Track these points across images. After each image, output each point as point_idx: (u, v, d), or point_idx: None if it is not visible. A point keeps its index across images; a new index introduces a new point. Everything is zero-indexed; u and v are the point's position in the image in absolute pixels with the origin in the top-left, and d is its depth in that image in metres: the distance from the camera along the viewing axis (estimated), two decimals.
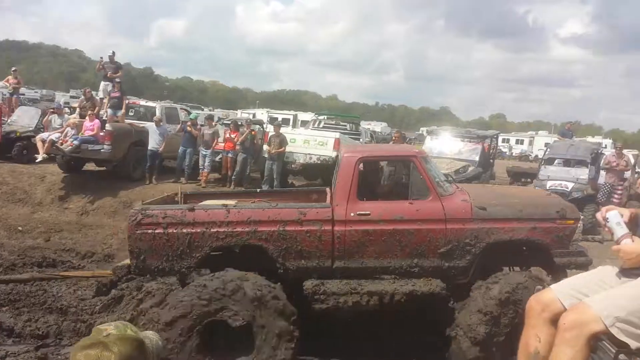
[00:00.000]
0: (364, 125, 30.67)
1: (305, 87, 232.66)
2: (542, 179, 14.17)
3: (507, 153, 48.28)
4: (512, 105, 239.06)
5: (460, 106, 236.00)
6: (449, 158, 14.93)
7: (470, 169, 14.45)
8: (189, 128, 15.24)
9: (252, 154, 15.11)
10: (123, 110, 16.40)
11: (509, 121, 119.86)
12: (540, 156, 24.85)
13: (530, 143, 53.83)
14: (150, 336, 1.69)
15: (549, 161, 15.32)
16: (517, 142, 55.51)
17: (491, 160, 16.76)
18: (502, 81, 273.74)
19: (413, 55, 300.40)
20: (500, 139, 38.28)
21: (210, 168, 15.27)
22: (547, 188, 13.19)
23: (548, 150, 16.34)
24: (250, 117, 32.03)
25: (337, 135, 15.54)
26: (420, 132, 68.47)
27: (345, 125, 19.58)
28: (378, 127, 45.06)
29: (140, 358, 1.74)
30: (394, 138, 16.15)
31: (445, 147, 15.61)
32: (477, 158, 14.92)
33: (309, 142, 15.47)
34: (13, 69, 20.74)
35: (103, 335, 1.66)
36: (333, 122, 19.78)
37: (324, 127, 18.99)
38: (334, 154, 14.82)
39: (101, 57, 17.85)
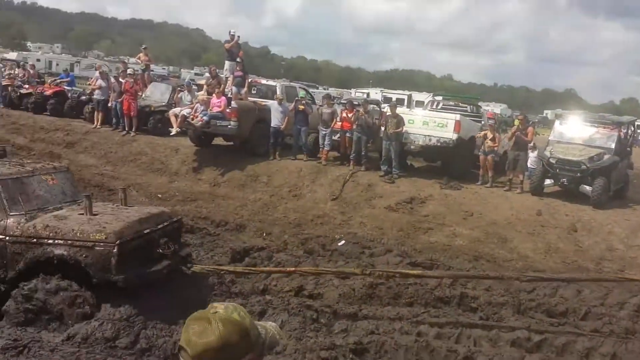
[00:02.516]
0: (483, 106, 29.56)
1: (417, 66, 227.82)
2: None
3: None
4: None
5: (586, 89, 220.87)
6: (581, 145, 14.01)
7: (606, 157, 13.47)
8: (300, 107, 15.41)
9: (368, 133, 15.03)
10: (246, 89, 16.96)
11: None
12: None
13: None
14: (268, 327, 1.68)
15: None
16: None
17: (629, 149, 15.52)
18: (633, 64, 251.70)
19: (534, 34, 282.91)
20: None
21: (330, 147, 15.44)
22: None
23: None
24: (365, 96, 32.04)
25: (458, 117, 15.07)
26: (544, 115, 65.12)
27: (466, 107, 18.94)
28: (497, 108, 43.38)
29: (241, 344, 1.67)
30: (517, 121, 15.41)
31: (576, 133, 14.63)
32: (613, 145, 13.85)
33: (428, 123, 15.10)
34: (143, 46, 22.01)
35: (211, 312, 1.66)
36: (452, 103, 19.19)
37: (442, 108, 18.48)
38: (454, 137, 14.44)
39: (232, 35, 18.38)
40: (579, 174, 13.31)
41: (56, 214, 7.32)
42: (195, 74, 47.25)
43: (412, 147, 15.17)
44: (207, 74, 20.66)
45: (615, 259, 10.52)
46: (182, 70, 61.83)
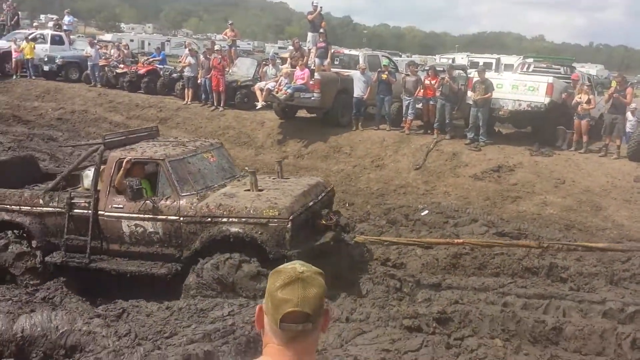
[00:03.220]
0: (578, 68, 27.92)
1: (507, 28, 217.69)
2: None
3: None
4: None
5: None
6: None
7: None
8: (383, 76, 15.20)
9: (452, 100, 14.65)
10: (329, 59, 16.97)
11: None
12: None
13: None
14: None
15: None
16: None
17: None
18: None
19: None
20: None
21: (413, 115, 15.22)
22: None
23: None
24: (450, 62, 31.10)
25: (550, 79, 14.34)
26: None
27: (559, 69, 17.97)
28: (593, 69, 40.77)
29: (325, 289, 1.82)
30: (614, 82, 14.44)
31: None
32: None
33: (518, 87, 14.49)
34: (230, 22, 22.52)
35: (298, 272, 1.74)
36: (544, 66, 18.26)
37: (533, 71, 17.63)
38: (546, 100, 13.80)
39: (314, 7, 18.38)
40: None
41: (224, 191, 7.52)
42: (279, 48, 47.79)
43: (500, 112, 14.63)
44: (290, 47, 20.86)
45: None
46: (266, 44, 62.72)
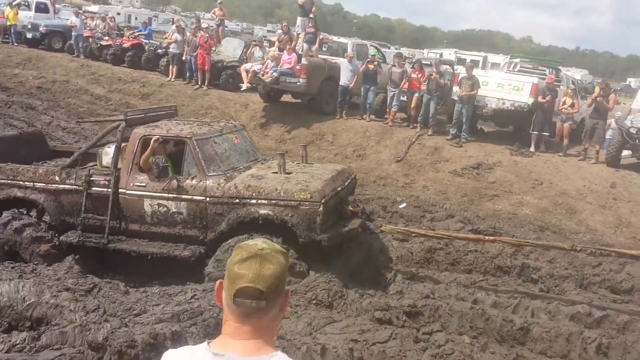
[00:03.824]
0: (563, 71, 28.12)
1: (496, 27, 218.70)
2: None
3: None
4: None
5: None
6: None
7: None
8: (371, 66, 15.08)
9: (439, 95, 14.65)
10: (317, 45, 16.83)
11: None
12: None
13: None
14: None
15: None
16: None
17: None
18: None
19: None
20: None
21: (397, 108, 15.20)
22: None
23: None
24: (438, 57, 31.13)
25: (535, 80, 14.42)
26: (628, 83, 61.33)
27: (545, 71, 18.08)
28: (578, 74, 41.17)
29: (287, 267, 1.82)
30: (597, 87, 14.57)
31: None
32: None
33: (503, 85, 14.56)
34: (219, 1, 22.19)
35: (258, 249, 1.73)
36: (530, 67, 18.35)
37: (519, 71, 17.71)
38: (530, 101, 13.88)
39: None
40: None
41: (252, 173, 7.34)
42: (268, 31, 47.40)
43: (484, 110, 14.67)
44: (279, 31, 20.67)
45: None
46: (255, 26, 62.15)
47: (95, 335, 4.74)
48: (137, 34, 22.33)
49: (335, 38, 20.48)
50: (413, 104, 14.88)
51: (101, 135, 8.15)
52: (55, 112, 16.28)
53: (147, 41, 21.30)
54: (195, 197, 6.98)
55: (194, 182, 7.01)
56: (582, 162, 13.30)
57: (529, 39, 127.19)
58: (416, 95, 14.85)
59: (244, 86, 15.56)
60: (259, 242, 1.77)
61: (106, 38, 21.13)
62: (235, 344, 1.72)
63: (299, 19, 18.28)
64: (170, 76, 18.32)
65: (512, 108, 14.18)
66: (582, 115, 15.07)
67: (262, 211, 6.74)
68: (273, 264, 1.72)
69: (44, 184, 7.45)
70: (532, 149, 13.73)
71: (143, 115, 8.02)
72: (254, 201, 6.80)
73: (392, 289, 7.25)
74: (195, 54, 17.28)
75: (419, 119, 14.74)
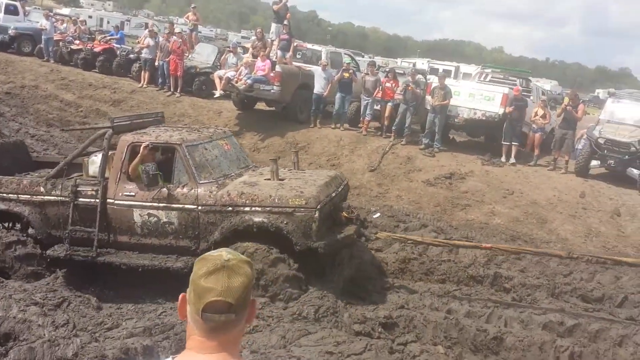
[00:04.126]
0: (533, 82, 28.63)
1: (468, 37, 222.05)
2: None
3: None
4: None
5: None
6: (632, 125, 13.46)
7: None
8: (346, 74, 15.06)
9: (413, 105, 14.73)
10: (291, 53, 16.82)
11: None
12: None
13: None
14: None
15: None
16: None
17: None
18: None
19: (592, 8, 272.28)
20: None
21: (371, 117, 15.24)
22: None
23: None
24: (411, 66, 31.43)
25: (506, 90, 14.64)
26: (596, 94, 62.68)
27: (515, 81, 18.38)
28: (547, 85, 42.02)
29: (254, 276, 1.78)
30: (567, 98, 14.87)
31: (628, 113, 14.05)
32: None
33: (474, 95, 14.73)
34: (192, 5, 22.02)
35: (224, 260, 1.70)
36: (501, 77, 18.64)
37: (490, 81, 17.97)
38: (501, 111, 14.07)
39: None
40: (627, 156, 12.84)
41: (244, 180, 7.17)
42: (242, 37, 47.25)
43: (456, 120, 14.82)
44: (253, 37, 20.60)
45: None
46: (229, 32, 61.88)
47: (65, 351, 4.62)
48: (108, 38, 22.01)
49: (309, 45, 20.51)
50: (387, 114, 14.94)
51: (87, 144, 7.90)
52: (23, 119, 15.93)
53: (119, 46, 21.00)
54: (186, 206, 6.80)
55: (185, 190, 6.84)
56: (552, 172, 13.52)
57: (501, 50, 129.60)
58: (390, 104, 14.91)
59: (217, 93, 15.44)
60: (223, 253, 1.72)
61: (77, 42, 20.77)
62: (201, 358, 1.67)
63: (274, 26, 18.24)
64: (142, 82, 18.06)
65: (484, 118, 14.36)
66: (551, 126, 15.35)
67: (257, 219, 6.59)
68: (241, 276, 1.68)
69: (29, 196, 7.20)
70: (503, 159, 13.90)
71: (130, 122, 7.82)
72: (247, 209, 6.65)
73: (368, 300, 7.25)
74: (167, 59, 17.09)
75: (393, 128, 14.78)
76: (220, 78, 15.43)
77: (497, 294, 7.81)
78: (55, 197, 7.13)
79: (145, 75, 18.02)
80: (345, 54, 20.09)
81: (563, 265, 8.43)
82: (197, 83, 17.29)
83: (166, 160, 7.25)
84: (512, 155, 13.81)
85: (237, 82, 15.05)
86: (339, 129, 15.16)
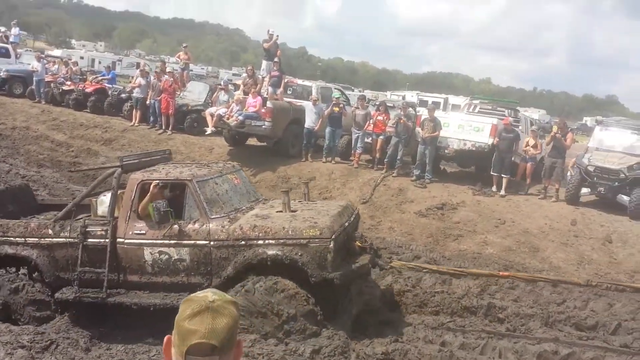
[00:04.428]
0: (522, 111, 29.06)
1: (456, 69, 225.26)
2: None
3: None
4: None
5: (629, 96, 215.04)
6: (621, 152, 13.61)
7: None
8: (336, 108, 15.23)
9: (405, 138, 14.87)
10: (282, 89, 17.02)
11: None
12: None
13: None
14: None
15: None
16: None
17: None
18: None
19: (577, 38, 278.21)
20: None
21: (362, 149, 15.36)
22: None
23: None
24: (401, 99, 31.79)
25: (495, 121, 14.81)
26: (584, 122, 63.42)
27: (504, 111, 18.61)
28: (536, 114, 42.51)
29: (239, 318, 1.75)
30: (555, 127, 15.04)
31: (616, 140, 14.22)
32: None
33: (464, 127, 14.90)
34: (184, 45, 22.32)
35: (209, 301, 1.68)
36: (490, 107, 18.88)
37: (479, 112, 18.19)
38: (490, 141, 14.21)
39: (270, 35, 18.44)
40: (617, 183, 12.94)
41: (256, 213, 7.13)
42: (234, 74, 47.78)
43: (446, 151, 14.96)
44: (244, 74, 20.86)
45: None
46: (220, 70, 62.52)
47: None
48: (100, 78, 22.19)
49: (299, 81, 20.77)
50: (378, 146, 15.07)
51: (96, 184, 7.87)
52: (14, 160, 15.94)
53: (110, 85, 21.16)
54: (198, 242, 6.74)
55: (196, 226, 6.77)
56: (543, 200, 13.59)
57: (488, 81, 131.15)
58: (381, 137, 15.06)
59: (209, 130, 15.54)
60: (208, 294, 1.70)
61: (68, 83, 20.91)
62: None
63: (264, 63, 18.51)
64: (133, 121, 18.16)
65: (474, 148, 14.50)
66: (541, 155, 15.49)
67: (270, 252, 6.51)
68: (225, 317, 1.65)
69: (37, 239, 7.12)
70: (494, 188, 13.97)
71: (139, 161, 7.81)
72: (261, 242, 6.57)
73: (363, 334, 7.17)
74: (159, 97, 17.23)
75: (385, 160, 14.88)
76: (212, 115, 15.55)
77: (491, 324, 7.77)
78: (64, 239, 7.06)
79: (136, 114, 18.14)
80: (335, 88, 20.34)
81: (556, 293, 8.42)
82: (188, 120, 17.40)
83: (175, 197, 7.19)
84: (503, 188, 13.87)
85: (228, 118, 15.16)
86: (331, 163, 15.26)
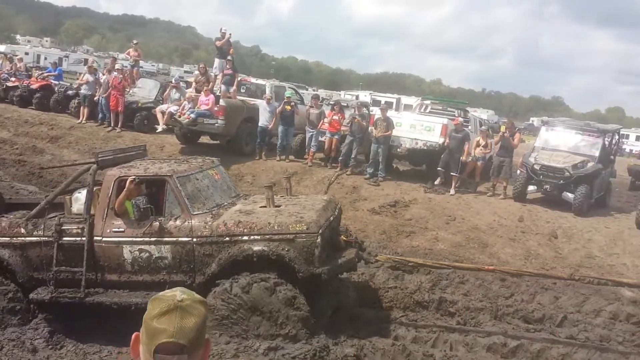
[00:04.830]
0: (471, 112, 29.75)
1: (408, 70, 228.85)
2: None
3: (626, 150, 45.04)
4: (631, 99, 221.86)
5: (574, 97, 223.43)
6: (566, 152, 14.11)
7: (590, 164, 13.57)
8: (287, 107, 15.24)
9: (359, 137, 14.98)
10: (235, 87, 16.88)
11: (628, 116, 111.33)
12: None
13: None
14: None
15: None
16: (638, 138, 51.58)
17: (612, 157, 15.65)
18: (620, 73, 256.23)
19: (524, 41, 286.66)
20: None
21: (316, 148, 15.40)
22: None
23: None
24: (354, 98, 32.07)
25: (445, 121, 15.14)
26: (531, 122, 65.46)
27: (454, 112, 19.01)
28: (484, 114, 43.63)
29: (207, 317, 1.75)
30: (503, 126, 15.48)
31: (561, 140, 14.74)
32: (597, 153, 13.95)
33: (415, 126, 15.21)
34: (134, 41, 21.84)
35: (177, 300, 1.68)
36: (440, 108, 19.27)
37: (430, 112, 18.54)
38: (441, 140, 14.50)
39: (223, 33, 18.27)
40: (562, 181, 13.42)
41: (239, 209, 6.96)
42: (185, 72, 47.12)
43: (398, 150, 15.19)
44: (196, 72, 20.59)
45: (594, 266, 10.60)
46: (171, 67, 61.53)
47: None
48: (46, 74, 21.51)
49: (253, 80, 20.66)
50: (333, 146, 15.16)
51: (70, 181, 7.55)
52: None
53: (56, 82, 20.55)
54: (180, 239, 6.56)
55: (178, 222, 6.59)
56: (492, 198, 13.96)
57: (439, 82, 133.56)
58: (336, 137, 15.14)
59: (160, 128, 15.29)
60: (177, 293, 1.68)
61: (13, 79, 20.22)
62: None
63: (217, 61, 18.31)
64: (81, 118, 17.66)
65: (425, 147, 14.78)
66: (490, 154, 15.89)
67: (256, 247, 6.38)
68: (194, 316, 1.64)
69: (8, 238, 6.82)
70: (436, 182, 14.23)
71: (114, 157, 7.56)
72: (246, 237, 6.44)
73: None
74: (106, 94, 16.81)
75: (339, 159, 14.97)
76: (163, 113, 15.29)
77: (442, 318, 7.91)
78: (38, 238, 6.80)
79: (84, 111, 17.66)
80: (289, 87, 20.30)
81: (505, 287, 8.65)
82: (138, 118, 17.05)
83: (152, 194, 6.98)
84: (453, 186, 14.15)
85: (180, 116, 14.95)
86: (285, 161, 15.24)
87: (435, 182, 14.24)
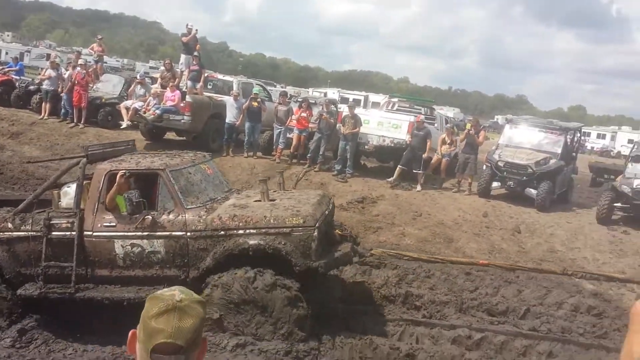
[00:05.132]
0: (437, 110, 30.12)
1: (376, 68, 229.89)
2: (628, 176, 13.45)
3: (588, 147, 46.22)
4: (592, 97, 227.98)
5: (537, 95, 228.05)
6: (529, 149, 14.41)
7: (552, 161, 13.89)
8: (254, 103, 15.14)
9: (327, 134, 15.01)
10: (201, 83, 16.74)
11: (589, 114, 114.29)
12: (623, 152, 23.54)
13: (613, 138, 51.38)
14: None
15: (637, 159, 14.59)
16: (599, 136, 53.04)
17: (574, 154, 16.04)
18: (582, 72, 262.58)
19: (489, 41, 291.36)
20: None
21: (284, 145, 15.37)
22: (634, 186, 12.56)
23: (636, 147, 15.51)
24: (322, 95, 32.10)
25: (412, 118, 15.30)
26: (495, 120, 66.62)
27: (420, 109, 19.22)
28: (450, 112, 44.18)
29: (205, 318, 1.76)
30: (469, 124, 15.73)
31: (524, 137, 15.05)
32: (559, 150, 14.30)
33: (383, 124, 15.36)
34: (98, 37, 21.46)
35: (176, 300, 1.67)
36: (407, 105, 19.46)
37: (397, 109, 18.71)
38: (407, 138, 14.65)
39: (189, 29, 18.08)
40: (525, 177, 13.70)
41: (233, 203, 6.86)
42: (150, 67, 46.44)
43: (366, 147, 15.31)
44: (162, 67, 20.35)
45: (556, 260, 10.85)
46: (137, 63, 60.55)
47: None
48: (6, 69, 20.95)
49: (220, 76, 20.50)
50: (300, 142, 15.15)
51: (59, 175, 7.40)
52: None
53: (18, 77, 20.02)
54: (174, 233, 6.46)
55: (171, 216, 6.49)
56: (457, 194, 14.18)
57: (406, 80, 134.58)
58: (304, 134, 15.13)
59: (124, 124, 15.07)
60: (176, 293, 1.66)
61: None
62: None
63: (183, 57, 18.13)
64: (43, 114, 17.26)
65: (392, 145, 14.94)
66: (455, 151, 16.12)
67: (252, 241, 6.30)
68: (192, 317, 1.63)
69: None
70: (390, 179, 14.37)
71: (104, 150, 7.44)
72: (241, 231, 6.37)
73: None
74: (67, 89, 16.46)
75: (308, 155, 14.98)
76: (127, 109, 15.07)
77: (408, 312, 8.00)
78: (26, 233, 6.63)
79: (46, 107, 17.26)
80: (256, 84, 20.20)
81: (469, 281, 8.79)
82: (102, 114, 16.75)
83: (142, 188, 6.83)
84: (419, 183, 14.30)
85: (145, 112, 14.75)
86: (252, 158, 15.18)
87: (389, 179, 14.36)
